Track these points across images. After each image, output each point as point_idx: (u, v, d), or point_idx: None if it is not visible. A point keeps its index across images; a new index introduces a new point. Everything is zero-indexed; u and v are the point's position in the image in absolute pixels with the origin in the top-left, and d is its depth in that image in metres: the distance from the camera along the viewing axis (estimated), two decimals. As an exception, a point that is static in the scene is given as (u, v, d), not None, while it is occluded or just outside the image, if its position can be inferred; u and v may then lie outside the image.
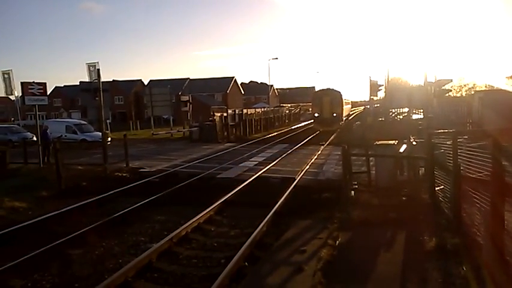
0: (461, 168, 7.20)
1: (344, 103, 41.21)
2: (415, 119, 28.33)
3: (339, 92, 39.09)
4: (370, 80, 28.44)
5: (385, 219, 8.69)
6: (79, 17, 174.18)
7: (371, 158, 12.37)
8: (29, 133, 28.07)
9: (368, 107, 49.83)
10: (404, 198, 10.44)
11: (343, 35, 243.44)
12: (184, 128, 34.19)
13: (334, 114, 37.33)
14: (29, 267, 7.07)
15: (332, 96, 38.11)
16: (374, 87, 28.72)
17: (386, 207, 9.55)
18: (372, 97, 37.52)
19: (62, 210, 10.42)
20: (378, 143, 12.41)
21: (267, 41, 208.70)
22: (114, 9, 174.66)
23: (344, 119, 42.70)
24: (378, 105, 42.78)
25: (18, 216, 10.40)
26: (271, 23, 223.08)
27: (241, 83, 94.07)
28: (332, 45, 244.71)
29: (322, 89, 41.05)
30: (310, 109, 49.02)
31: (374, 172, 11.97)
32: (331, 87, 40.52)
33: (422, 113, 24.46)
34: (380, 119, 31.30)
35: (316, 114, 38.44)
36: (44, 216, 9.96)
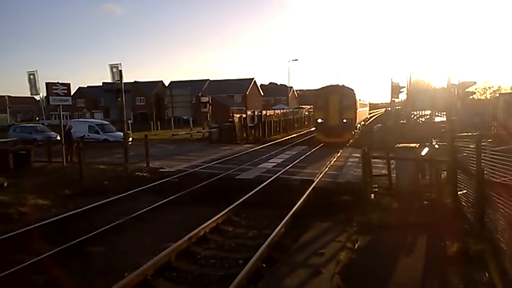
0: (485, 172, 7.02)
1: (359, 105, 30.08)
2: (438, 122, 27.79)
3: (352, 90, 27.46)
4: (392, 82, 28.03)
5: (406, 223, 8.55)
6: (102, 19, 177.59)
7: (392, 161, 12.19)
8: (53, 132, 28.72)
9: (389, 109, 49.15)
10: (425, 202, 10.24)
11: (364, 36, 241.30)
12: (203, 129, 34.43)
13: (345, 120, 26.46)
14: (51, 263, 7.24)
15: (342, 95, 26.76)
16: (395, 89, 28.29)
17: (407, 211, 9.39)
18: (393, 99, 37.00)
19: (84, 209, 10.64)
20: (399, 146, 12.22)
21: (288, 43, 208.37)
22: (135, 11, 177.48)
23: (359, 126, 32.70)
24: (400, 107, 42.15)
25: (41, 213, 10.65)
26: (292, 24, 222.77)
27: (261, 85, 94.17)
28: (353, 47, 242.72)
29: (329, 86, 28.08)
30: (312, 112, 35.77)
31: (395, 175, 11.78)
32: (341, 84, 28.92)
33: (445, 116, 23.99)
34: (401, 122, 30.85)
35: (319, 120, 27.16)
36: (67, 214, 10.19)
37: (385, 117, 48.89)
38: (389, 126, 31.76)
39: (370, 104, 67.27)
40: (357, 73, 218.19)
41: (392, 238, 7.90)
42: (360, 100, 31.29)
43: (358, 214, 9.30)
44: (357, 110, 27.98)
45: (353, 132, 28.17)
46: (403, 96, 34.42)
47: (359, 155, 15.97)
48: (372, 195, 10.99)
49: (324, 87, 28.00)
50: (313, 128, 30.81)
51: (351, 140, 27.39)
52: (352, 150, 22.77)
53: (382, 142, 19.57)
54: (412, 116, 29.69)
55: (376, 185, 11.93)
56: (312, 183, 13.23)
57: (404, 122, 29.51)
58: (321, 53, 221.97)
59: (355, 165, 17.00)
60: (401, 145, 12.24)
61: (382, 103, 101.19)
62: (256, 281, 6.30)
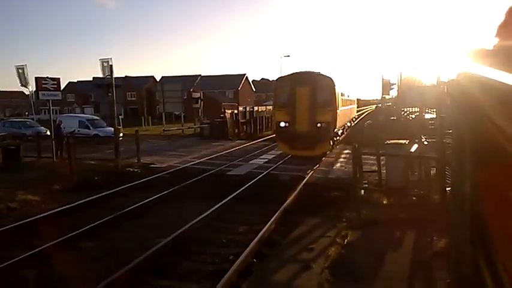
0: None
1: (341, 102, 21.02)
2: (428, 119, 28.07)
3: (330, 80, 18.23)
4: (383, 79, 28.26)
5: (395, 219, 8.66)
6: (93, 13, 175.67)
7: (382, 158, 12.31)
8: (42, 127, 28.46)
9: (380, 105, 49.49)
10: (414, 198, 10.37)
11: (356, 33, 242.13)
12: (195, 125, 34.36)
13: (319, 125, 17.66)
14: (41, 259, 7.22)
15: (315, 87, 17.83)
16: (386, 86, 28.57)
17: (396, 207, 9.52)
18: (384, 96, 37.28)
19: (74, 204, 10.60)
20: (388, 142, 12.33)
21: (280, 39, 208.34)
22: (127, 5, 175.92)
23: (341, 131, 22.80)
24: (390, 103, 42.44)
25: (31, 209, 10.60)
26: (284, 20, 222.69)
27: (253, 80, 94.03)
28: (345, 44, 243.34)
29: (296, 73, 18.65)
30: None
31: (385, 172, 11.91)
32: (313, 70, 19.09)
33: (435, 113, 24.23)
34: (392, 118, 31.08)
35: (281, 124, 18.33)
36: (56, 210, 10.14)
37: (375, 113, 49.26)
38: (379, 122, 32.05)
39: (360, 100, 66.58)
40: (349, 69, 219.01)
41: (381, 233, 8.00)
42: (343, 95, 22.00)
43: (348, 210, 9.40)
44: (337, 108, 18.33)
45: (331, 142, 18.36)
46: (394, 93, 34.73)
47: (350, 152, 16.08)
48: (362, 191, 11.08)
49: (289, 74, 18.39)
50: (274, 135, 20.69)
51: (327, 153, 18.82)
52: (343, 147, 22.92)
53: (373, 139, 19.72)
54: (403, 112, 29.88)
55: (366, 181, 12.04)
56: (303, 179, 13.31)
57: (395, 118, 29.74)
58: (313, 49, 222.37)
59: (345, 161, 17.12)
60: (391, 142, 12.36)
61: (373, 99, 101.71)
62: (247, 276, 6.35)
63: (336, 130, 19.03)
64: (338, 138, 21.45)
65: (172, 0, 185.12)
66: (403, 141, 12.10)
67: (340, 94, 19.76)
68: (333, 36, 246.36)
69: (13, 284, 6.47)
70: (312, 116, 17.50)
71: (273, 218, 8.93)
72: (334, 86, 17.93)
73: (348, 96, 26.03)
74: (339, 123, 19.97)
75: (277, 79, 19.64)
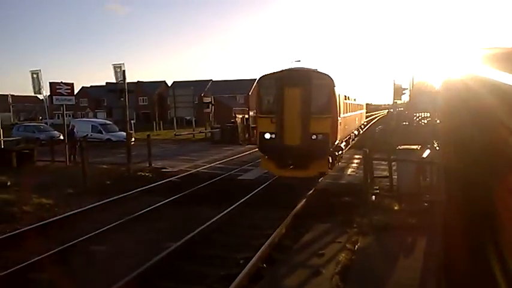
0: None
1: (344, 106, 16.51)
2: (440, 124, 27.65)
3: (329, 79, 13.91)
4: (394, 84, 28.10)
5: (406, 225, 8.60)
6: (105, 19, 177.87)
7: (393, 163, 12.23)
8: (56, 132, 28.84)
9: (391, 110, 49.13)
10: (426, 204, 10.28)
11: (368, 37, 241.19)
12: (206, 129, 34.51)
13: (314, 136, 13.50)
14: (54, 262, 7.32)
15: (309, 88, 13.60)
16: (398, 91, 28.39)
17: (407, 213, 9.44)
18: (395, 101, 37.03)
19: (87, 208, 10.73)
20: (400, 148, 12.26)
21: (291, 44, 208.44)
22: (138, 11, 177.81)
23: (344, 143, 17.54)
24: (402, 108, 42.13)
25: (44, 212, 10.74)
26: (295, 25, 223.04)
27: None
28: (357, 48, 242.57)
29: (285, 70, 14.44)
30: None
31: (396, 177, 11.83)
32: (307, 67, 15.29)
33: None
34: (404, 123, 30.85)
35: (266, 136, 14.03)
36: (69, 213, 10.28)
37: (387, 118, 48.91)
38: (391, 128, 31.84)
39: (371, 105, 65.68)
40: (360, 74, 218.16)
41: (393, 239, 7.95)
42: (348, 98, 17.93)
43: (358, 215, 9.35)
44: (338, 115, 14.13)
45: (330, 160, 14.05)
46: (406, 98, 34.51)
47: (361, 157, 16.00)
48: (373, 196, 11.04)
49: (276, 72, 14.10)
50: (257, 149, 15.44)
51: (325, 174, 14.60)
52: (354, 152, 22.80)
53: (384, 144, 19.59)
54: (415, 117, 29.62)
55: (377, 187, 11.98)
56: (314, 185, 13.28)
57: (407, 123, 29.50)
58: (324, 54, 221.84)
59: (356, 167, 17.04)
60: (402, 147, 12.29)
61: (384, 104, 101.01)
62: (257, 280, 6.36)
63: (337, 143, 14.50)
64: (340, 153, 16.19)
65: (184, 7, 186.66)
66: (415, 147, 12.01)
67: (343, 97, 15.70)
68: (345, 41, 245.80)
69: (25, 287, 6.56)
70: (305, 125, 13.22)
71: (283, 223, 8.93)
72: (334, 86, 13.58)
73: (355, 100, 21.97)
74: (342, 133, 15.53)
75: (260, 78, 14.44)
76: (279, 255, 7.52)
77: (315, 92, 13.49)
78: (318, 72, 14.11)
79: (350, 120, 19.02)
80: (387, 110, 67.74)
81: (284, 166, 13.74)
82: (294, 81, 13.61)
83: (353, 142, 23.02)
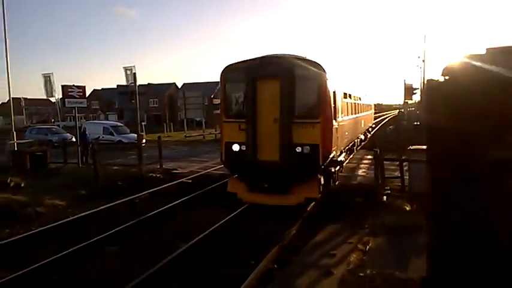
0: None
1: (345, 106, 13.19)
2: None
3: (318, 69, 10.01)
4: (405, 83, 27.91)
5: (418, 225, 8.51)
6: (116, 22, 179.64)
7: (405, 163, 12.14)
8: (68, 134, 29.20)
9: (402, 110, 48.80)
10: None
11: (378, 36, 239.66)
12: (216, 131, 34.60)
13: (299, 149, 9.88)
14: (68, 262, 7.42)
15: (291, 82, 9.91)
16: (409, 91, 28.17)
17: (419, 213, 9.36)
18: (406, 100, 36.79)
19: (99, 209, 10.84)
20: (411, 148, 12.18)
21: (299, 43, 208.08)
22: (147, 13, 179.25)
23: (343, 156, 13.58)
24: (413, 108, 41.82)
25: (58, 214, 10.88)
26: (303, 24, 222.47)
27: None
28: (366, 47, 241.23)
29: (257, 59, 10.53)
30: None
31: (408, 177, 11.74)
32: (289, 54, 10.87)
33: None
34: (415, 123, 30.63)
35: (234, 147, 10.39)
36: (82, 214, 10.40)
37: (398, 118, 48.56)
38: (402, 127, 31.60)
39: (382, 105, 65.04)
40: (370, 73, 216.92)
41: (404, 240, 7.89)
42: (348, 96, 14.42)
43: (370, 216, 9.31)
44: (334, 118, 10.83)
45: (321, 180, 10.40)
46: (417, 98, 34.25)
47: (372, 157, 15.92)
48: (385, 197, 10.98)
49: (246, 61, 10.70)
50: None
51: (314, 201, 10.80)
52: (364, 152, 22.68)
53: (395, 144, 19.45)
54: (426, 117, 29.34)
55: (388, 187, 11.90)
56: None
57: (418, 123, 29.27)
58: (333, 54, 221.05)
59: (367, 167, 16.94)
60: (414, 147, 12.21)
61: (395, 104, 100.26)
62: (267, 281, 6.37)
63: (332, 156, 10.69)
64: (338, 168, 12.39)
65: (191, 8, 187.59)
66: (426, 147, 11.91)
67: (341, 95, 12.22)
68: (355, 40, 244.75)
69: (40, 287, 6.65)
70: (286, 133, 9.84)
71: (294, 224, 8.92)
72: (326, 80, 9.96)
73: (360, 100, 18.45)
74: (340, 142, 11.83)
75: (224, 69, 10.74)
76: (290, 255, 7.51)
77: (300, 87, 9.91)
78: (304, 59, 10.20)
79: (353, 123, 15.50)
80: (398, 110, 67.28)
81: (257, 189, 10.15)
82: (271, 72, 9.97)
83: (358, 148, 19.86)
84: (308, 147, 9.79)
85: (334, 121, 10.62)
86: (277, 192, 10.01)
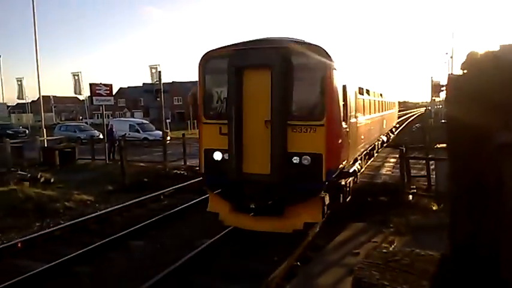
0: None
1: (363, 104, 11.17)
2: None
3: (322, 56, 7.57)
4: (432, 80, 27.29)
5: (445, 225, 8.33)
6: (141, 21, 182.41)
7: (431, 162, 11.89)
8: (95, 131, 29.87)
9: (429, 108, 47.77)
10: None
11: (405, 32, 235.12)
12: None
13: (296, 159, 7.61)
14: (95, 256, 7.62)
15: (286, 72, 7.61)
16: (436, 88, 27.51)
17: (446, 213, 9.14)
18: (433, 98, 36.01)
19: (125, 204, 11.07)
20: (439, 146, 11.92)
21: (324, 35, 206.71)
22: (172, 12, 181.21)
23: (356, 166, 10.45)
24: (440, 106, 40.86)
25: (86, 208, 11.18)
26: (329, 18, 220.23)
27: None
28: (392, 44, 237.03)
29: (242, 43, 8.14)
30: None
31: (434, 176, 11.50)
32: (285, 36, 8.35)
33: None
34: (442, 121, 29.91)
35: (215, 155, 8.26)
36: (109, 209, 10.65)
37: (425, 116, 47.54)
38: (429, 126, 30.94)
39: (408, 103, 63.77)
40: (396, 70, 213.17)
41: (430, 240, 7.71)
42: (366, 93, 11.96)
43: (395, 215, 9.15)
44: (343, 119, 8.39)
45: (326, 199, 7.82)
46: (444, 95, 33.41)
47: (397, 156, 15.65)
48: (410, 196, 10.78)
49: (231, 45, 8.28)
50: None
51: (318, 226, 8.90)
52: (389, 150, 22.31)
53: (422, 142, 19.02)
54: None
55: (414, 186, 11.67)
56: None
57: (446, 121, 28.55)
58: (358, 50, 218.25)
59: (392, 166, 16.66)
60: (441, 145, 11.94)
61: (422, 102, 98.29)
62: (290, 278, 6.37)
63: (342, 166, 8.64)
64: (350, 181, 9.63)
65: (214, 6, 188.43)
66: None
67: (355, 90, 9.90)
68: (380, 34, 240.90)
69: (68, 280, 6.84)
70: (280, 138, 7.68)
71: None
72: (333, 70, 7.72)
73: (381, 96, 16.07)
74: (352, 149, 9.67)
75: (203, 57, 8.48)
76: (313, 253, 7.48)
77: (299, 79, 7.79)
78: (304, 43, 7.91)
79: (371, 124, 13.14)
80: (425, 108, 65.92)
81: (243, 210, 7.98)
82: (261, 60, 7.84)
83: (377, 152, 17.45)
84: (308, 157, 7.56)
85: (343, 123, 8.33)
86: (268, 215, 7.83)
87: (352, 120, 9.34)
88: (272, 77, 7.56)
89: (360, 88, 10.64)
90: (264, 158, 7.68)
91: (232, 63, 7.88)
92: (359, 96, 10.50)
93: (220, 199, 8.38)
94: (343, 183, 8.91)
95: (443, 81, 28.49)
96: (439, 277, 2.93)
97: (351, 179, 9.67)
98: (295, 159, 7.59)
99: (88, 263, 7.33)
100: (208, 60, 8.39)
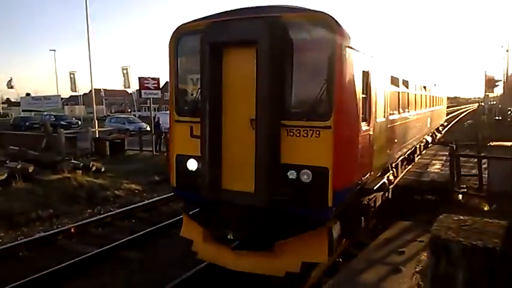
0: None
1: (397, 98, 8.59)
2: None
3: (331, 30, 5.13)
4: (486, 75, 25.98)
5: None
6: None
7: (483, 160, 11.35)
8: (143, 123, 30.85)
9: (482, 104, 45.52)
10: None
11: (459, 25, 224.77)
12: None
13: (293, 174, 5.40)
14: (143, 241, 7.94)
15: (280, 51, 5.30)
16: (490, 83, 26.20)
17: (499, 214, 8.73)
18: (487, 93, 34.31)
19: (171, 194, 11.40)
20: (492, 144, 11.35)
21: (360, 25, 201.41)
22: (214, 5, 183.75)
23: (391, 172, 9.27)
24: (494, 102, 38.84)
25: (134, 197, 11.64)
26: (368, 13, 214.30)
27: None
28: (443, 37, 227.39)
29: (223, 13, 5.92)
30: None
31: (486, 176, 10.97)
32: (280, 4, 5.75)
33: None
34: (496, 118, 28.45)
35: (190, 164, 6.16)
36: (155, 199, 11.03)
37: (477, 113, 45.35)
38: (482, 122, 29.47)
39: (460, 98, 61.16)
40: (446, 64, 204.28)
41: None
42: (402, 83, 9.33)
43: (443, 214, 8.84)
44: (360, 117, 5.91)
45: (336, 229, 5.74)
46: (499, 90, 31.74)
47: (446, 153, 15.06)
48: (460, 195, 10.36)
49: (208, 17, 6.02)
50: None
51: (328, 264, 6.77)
52: (438, 148, 21.49)
53: (474, 139, 18.16)
54: (509, 112, 27.13)
55: (464, 185, 11.20)
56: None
57: (500, 118, 27.15)
58: (407, 40, 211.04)
59: (441, 164, 16.06)
60: (495, 143, 11.38)
61: (474, 98, 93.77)
62: (332, 274, 6.34)
63: (362, 181, 6.43)
64: (373, 198, 7.37)
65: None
66: (509, 144, 11.05)
67: (384, 79, 7.58)
68: (430, 27, 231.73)
69: (116, 264, 7.17)
70: (269, 144, 5.48)
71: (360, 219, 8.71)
72: (345, 47, 5.32)
73: (425, 89, 13.68)
74: (378, 158, 7.22)
75: (174, 32, 6.33)
76: (356, 250, 7.40)
77: (297, 60, 5.53)
78: (303, 11, 5.58)
79: (410, 124, 10.75)
80: (477, 104, 62.85)
81: (222, 239, 6.01)
82: (244, 34, 5.57)
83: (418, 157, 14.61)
84: (309, 171, 5.37)
85: (364, 123, 6.11)
86: (253, 249, 5.89)
87: (380, 119, 7.01)
88: (257, 58, 5.36)
89: (391, 77, 8.18)
90: (247, 171, 5.56)
91: (207, 39, 5.67)
92: (392, 88, 8.19)
93: (194, 223, 6.47)
94: (365, 202, 6.87)
95: (498, 75, 27.05)
96: (509, 237, 3.26)
97: (378, 195, 7.53)
98: (291, 174, 5.44)
99: (138, 248, 7.66)
100: (180, 38, 6.31)
